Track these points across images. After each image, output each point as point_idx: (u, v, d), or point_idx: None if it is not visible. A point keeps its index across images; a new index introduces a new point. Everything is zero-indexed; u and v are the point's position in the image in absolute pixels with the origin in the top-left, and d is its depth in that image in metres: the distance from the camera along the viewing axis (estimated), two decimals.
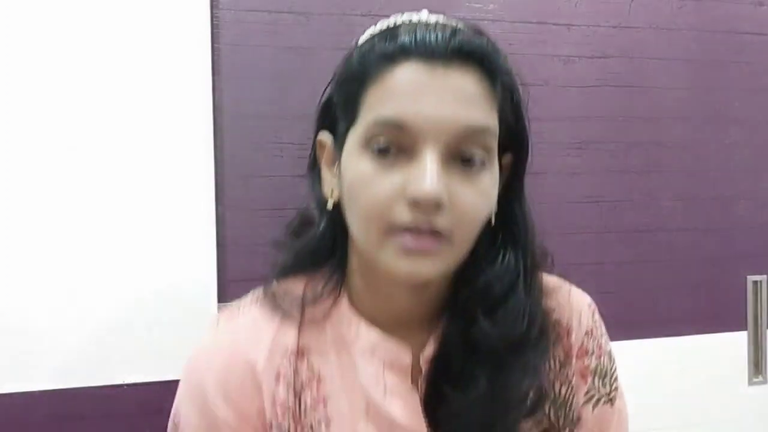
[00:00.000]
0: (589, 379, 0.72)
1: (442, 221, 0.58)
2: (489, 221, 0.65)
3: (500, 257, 0.66)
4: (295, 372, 0.66)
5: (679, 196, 1.78)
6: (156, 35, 1.42)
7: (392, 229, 0.58)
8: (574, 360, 0.70)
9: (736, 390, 1.81)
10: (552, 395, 0.68)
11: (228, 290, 1.44)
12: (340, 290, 0.68)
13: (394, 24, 0.63)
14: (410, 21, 0.62)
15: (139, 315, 1.41)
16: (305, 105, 1.51)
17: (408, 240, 0.58)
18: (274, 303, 0.68)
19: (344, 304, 0.68)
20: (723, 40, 1.80)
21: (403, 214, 0.57)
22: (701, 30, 1.78)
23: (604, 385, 0.73)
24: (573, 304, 0.74)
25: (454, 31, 0.60)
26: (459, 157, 0.59)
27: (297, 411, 0.66)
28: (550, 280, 0.74)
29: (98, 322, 1.39)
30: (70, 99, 1.38)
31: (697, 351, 1.78)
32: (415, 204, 0.56)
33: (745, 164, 1.82)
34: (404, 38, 0.59)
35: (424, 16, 0.63)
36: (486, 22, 1.60)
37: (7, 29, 1.35)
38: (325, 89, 0.68)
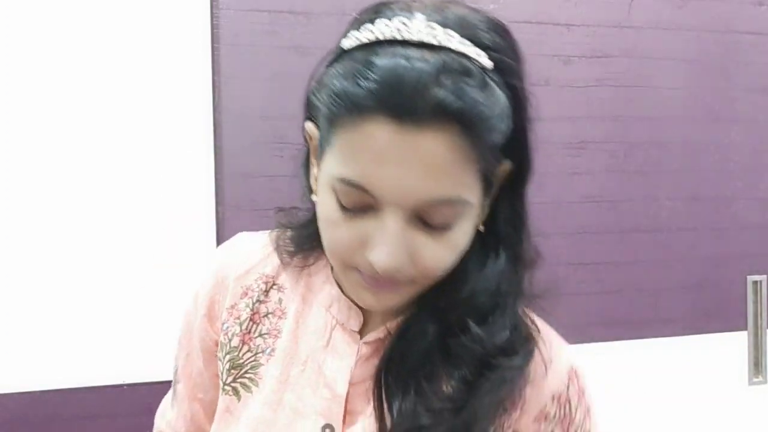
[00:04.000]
0: None
1: (402, 275, 0.57)
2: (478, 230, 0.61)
3: (487, 267, 0.62)
4: (263, 298, 0.71)
5: (679, 196, 1.78)
6: (156, 35, 1.42)
7: (353, 267, 0.59)
8: (518, 414, 0.61)
9: (736, 390, 1.82)
10: None
11: None
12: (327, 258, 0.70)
13: (375, 42, 0.54)
14: (393, 40, 0.53)
15: (139, 315, 1.41)
16: None
17: (368, 279, 0.58)
18: (275, 240, 0.74)
19: (325, 265, 0.71)
20: (723, 40, 1.80)
21: (363, 264, 0.57)
22: (701, 30, 1.78)
23: None
24: (549, 353, 0.64)
25: (438, 74, 0.51)
26: (425, 219, 0.55)
27: (250, 330, 0.70)
28: (543, 326, 0.66)
29: (98, 322, 1.40)
30: (71, 99, 1.38)
31: (697, 351, 1.78)
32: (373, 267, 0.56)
33: (744, 164, 1.82)
34: (376, 86, 0.51)
35: (414, 28, 0.53)
36: None
37: (9, 30, 1.35)
38: (311, 78, 0.62)
